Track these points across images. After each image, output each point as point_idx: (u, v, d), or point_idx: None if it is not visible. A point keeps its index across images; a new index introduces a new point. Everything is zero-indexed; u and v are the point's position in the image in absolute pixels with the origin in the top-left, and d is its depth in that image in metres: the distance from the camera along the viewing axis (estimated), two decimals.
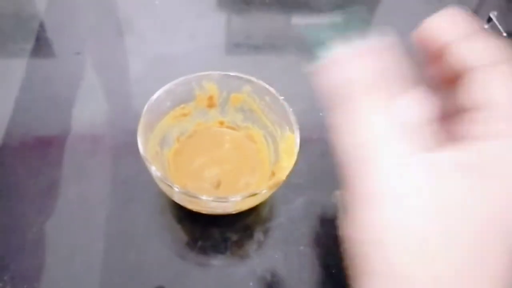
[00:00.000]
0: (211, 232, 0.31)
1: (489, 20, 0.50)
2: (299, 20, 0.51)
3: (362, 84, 0.14)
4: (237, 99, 0.30)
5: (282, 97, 0.26)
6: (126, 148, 0.35)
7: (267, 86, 0.27)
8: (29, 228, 0.30)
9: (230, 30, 0.49)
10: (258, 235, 0.31)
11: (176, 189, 0.23)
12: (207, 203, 0.23)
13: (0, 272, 0.28)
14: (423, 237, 0.13)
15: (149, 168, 0.23)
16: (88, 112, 0.38)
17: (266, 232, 0.31)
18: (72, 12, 0.48)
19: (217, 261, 0.30)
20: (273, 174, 0.28)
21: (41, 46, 0.44)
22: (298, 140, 0.24)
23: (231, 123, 0.31)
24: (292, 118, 0.25)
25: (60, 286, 0.28)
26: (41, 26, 0.46)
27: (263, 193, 0.23)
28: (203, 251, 0.30)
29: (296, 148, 0.24)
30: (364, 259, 0.13)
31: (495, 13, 0.50)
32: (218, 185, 0.28)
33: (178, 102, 0.29)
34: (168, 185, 0.23)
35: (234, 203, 0.23)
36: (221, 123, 0.31)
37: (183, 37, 0.46)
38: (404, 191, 0.13)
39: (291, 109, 0.26)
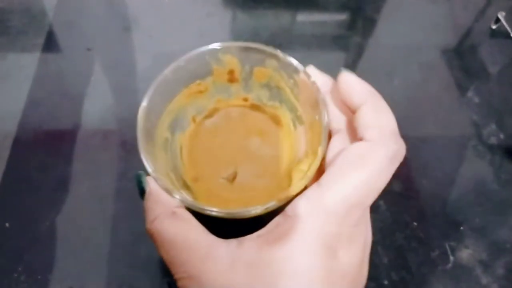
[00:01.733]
0: (221, 228, 0.31)
1: (497, 20, 0.50)
2: (305, 18, 0.51)
3: None
4: (262, 74, 0.25)
5: (313, 80, 0.22)
6: (136, 144, 0.36)
7: (295, 63, 0.23)
8: (42, 221, 0.31)
9: (237, 28, 0.49)
10: None
11: (183, 200, 0.21)
12: (217, 215, 0.22)
13: (14, 263, 0.29)
14: None
15: (151, 174, 0.21)
16: (99, 107, 0.39)
17: None
18: (82, 9, 0.48)
19: None
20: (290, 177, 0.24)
21: (52, 41, 0.44)
22: (326, 130, 0.20)
23: (256, 100, 0.27)
24: (322, 105, 0.21)
25: (71, 278, 0.29)
26: (52, 22, 0.46)
27: (274, 205, 0.20)
28: None
29: (323, 143, 0.20)
30: None
31: (503, 13, 0.49)
32: (233, 178, 0.25)
33: (192, 79, 0.25)
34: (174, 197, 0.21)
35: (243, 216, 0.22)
36: (245, 99, 0.27)
37: (190, 34, 0.46)
38: None
39: (321, 95, 0.22)
